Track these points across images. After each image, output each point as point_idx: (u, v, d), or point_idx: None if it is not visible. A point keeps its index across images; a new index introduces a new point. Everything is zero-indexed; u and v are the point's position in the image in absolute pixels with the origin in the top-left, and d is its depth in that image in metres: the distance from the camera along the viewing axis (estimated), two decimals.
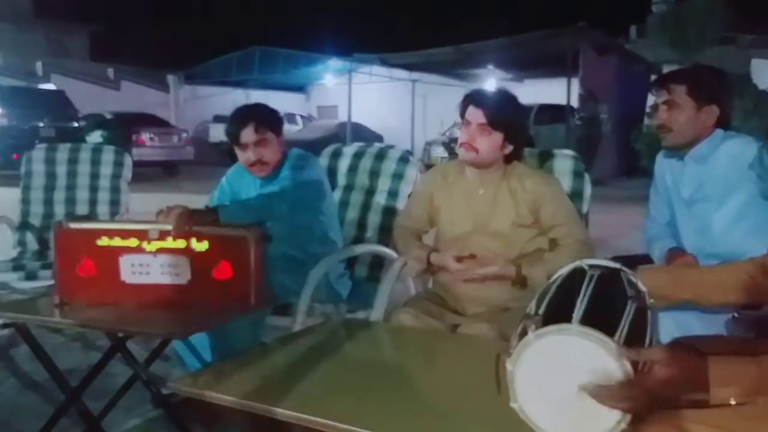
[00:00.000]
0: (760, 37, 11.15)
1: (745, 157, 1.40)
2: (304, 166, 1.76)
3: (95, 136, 9.81)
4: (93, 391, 1.54)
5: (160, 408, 1.67)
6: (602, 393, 0.69)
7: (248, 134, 1.70)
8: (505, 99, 1.50)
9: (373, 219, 1.99)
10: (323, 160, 2.07)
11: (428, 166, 7.94)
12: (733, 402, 0.66)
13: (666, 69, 8.05)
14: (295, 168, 1.74)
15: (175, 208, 1.34)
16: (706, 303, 0.97)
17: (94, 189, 2.46)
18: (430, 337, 1.33)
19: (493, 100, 1.49)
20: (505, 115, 1.46)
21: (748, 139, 1.44)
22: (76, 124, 9.32)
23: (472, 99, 1.48)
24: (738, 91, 6.13)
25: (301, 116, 15.78)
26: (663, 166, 1.59)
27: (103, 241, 1.33)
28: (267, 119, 1.75)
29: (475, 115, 1.45)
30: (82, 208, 2.44)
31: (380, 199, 1.99)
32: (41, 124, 8.87)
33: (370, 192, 2.02)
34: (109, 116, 10.71)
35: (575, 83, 9.42)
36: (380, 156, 2.04)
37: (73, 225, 1.37)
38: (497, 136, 1.45)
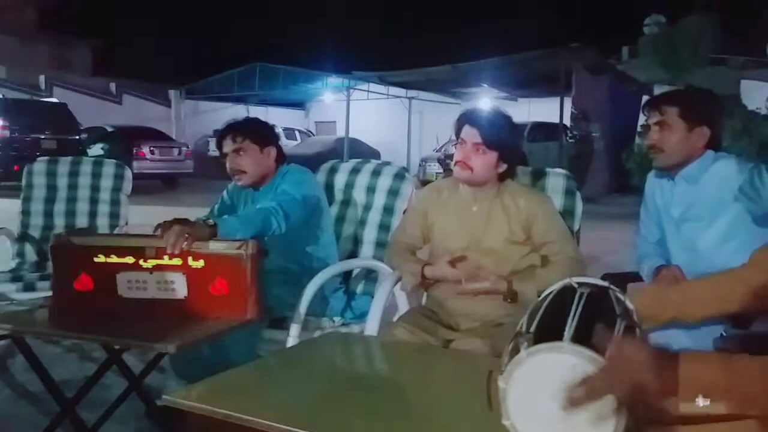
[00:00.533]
0: (750, 58, 11.37)
1: (735, 178, 1.42)
2: (301, 180, 1.79)
3: (96, 149, 9.87)
4: (88, 403, 1.54)
5: (154, 420, 1.67)
6: (574, 394, 0.68)
7: (227, 144, 1.78)
8: (500, 119, 1.53)
9: (369, 234, 2.01)
10: (320, 175, 2.09)
11: (424, 182, 8.00)
12: (700, 402, 0.63)
13: (657, 89, 8.18)
14: (292, 182, 1.77)
15: (174, 225, 1.34)
16: (690, 319, 0.98)
17: (94, 201, 2.47)
18: (423, 352, 1.34)
19: (488, 120, 1.51)
20: (499, 135, 1.49)
21: (738, 161, 1.47)
22: (77, 137, 9.33)
23: (468, 118, 1.51)
24: (728, 111, 6.22)
25: (300, 131, 15.90)
26: (653, 185, 1.61)
27: (100, 259, 1.34)
28: (245, 129, 1.80)
29: (471, 134, 1.48)
30: (81, 221, 2.45)
31: (376, 214, 2.01)
32: (43, 137, 8.89)
33: (366, 208, 2.04)
34: (110, 129, 10.75)
35: (568, 102, 9.52)
36: (376, 172, 2.06)
37: (72, 240, 1.38)
38: (492, 156, 1.48)
